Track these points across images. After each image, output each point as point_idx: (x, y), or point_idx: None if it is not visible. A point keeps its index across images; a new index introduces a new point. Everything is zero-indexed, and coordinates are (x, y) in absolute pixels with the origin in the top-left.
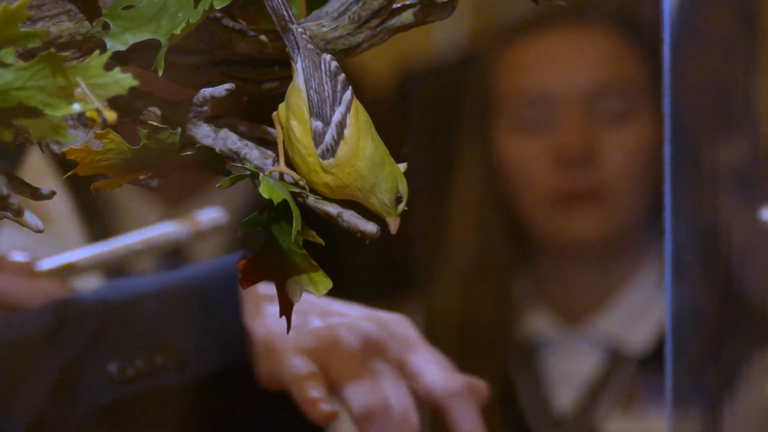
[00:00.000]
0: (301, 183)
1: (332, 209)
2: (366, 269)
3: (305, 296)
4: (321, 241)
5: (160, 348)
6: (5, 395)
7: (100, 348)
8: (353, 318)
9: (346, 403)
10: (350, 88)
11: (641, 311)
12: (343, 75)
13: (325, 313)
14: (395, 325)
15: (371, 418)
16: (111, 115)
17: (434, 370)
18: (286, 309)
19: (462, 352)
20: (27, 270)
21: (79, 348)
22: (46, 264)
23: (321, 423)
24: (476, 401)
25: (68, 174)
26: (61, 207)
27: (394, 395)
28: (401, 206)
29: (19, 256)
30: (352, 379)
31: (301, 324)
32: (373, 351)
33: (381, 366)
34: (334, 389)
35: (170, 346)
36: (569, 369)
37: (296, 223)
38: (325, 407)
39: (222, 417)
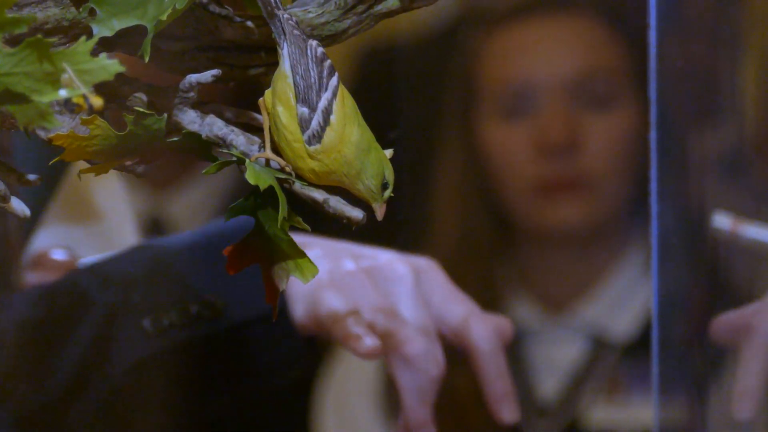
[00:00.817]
0: (288, 169)
1: (318, 195)
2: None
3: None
4: (307, 227)
5: (194, 299)
6: (43, 357)
7: (133, 305)
8: (384, 260)
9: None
10: (336, 74)
11: (625, 299)
12: (329, 61)
13: (356, 256)
14: (425, 268)
15: (400, 357)
16: (97, 101)
17: (461, 312)
18: (272, 296)
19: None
20: (67, 268)
21: (110, 307)
22: (87, 262)
23: (367, 358)
24: (501, 342)
25: (54, 160)
26: (112, 204)
27: (423, 336)
28: (387, 192)
29: (59, 254)
30: (384, 319)
31: (335, 267)
32: (404, 292)
33: (411, 307)
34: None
35: (204, 297)
36: (553, 356)
37: (282, 209)
38: (370, 342)
39: (259, 363)
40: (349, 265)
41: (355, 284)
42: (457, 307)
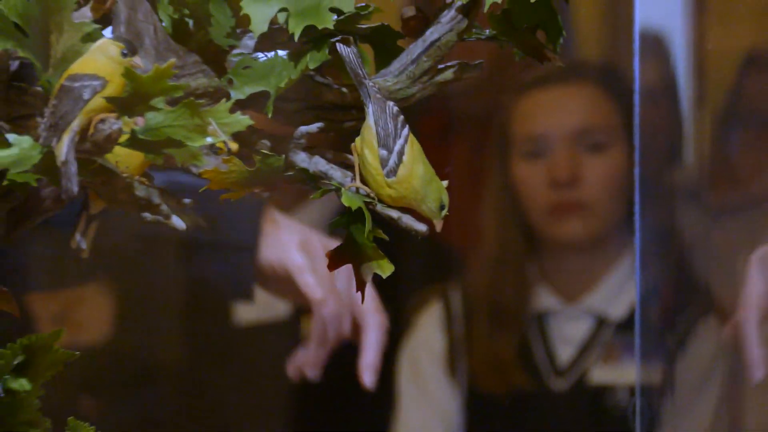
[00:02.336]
0: (372, 195)
1: (394, 214)
2: (418, 258)
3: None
4: (386, 237)
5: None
6: None
7: None
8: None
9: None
10: (407, 126)
11: (618, 291)
12: (402, 116)
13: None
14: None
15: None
16: (234, 146)
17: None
18: (361, 285)
19: (490, 320)
20: None
21: None
22: None
23: (314, 305)
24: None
25: (203, 188)
26: None
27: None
28: (444, 212)
29: None
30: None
31: (308, 241)
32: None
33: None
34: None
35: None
36: (567, 333)
37: (368, 224)
38: (319, 294)
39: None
40: (317, 241)
41: (317, 255)
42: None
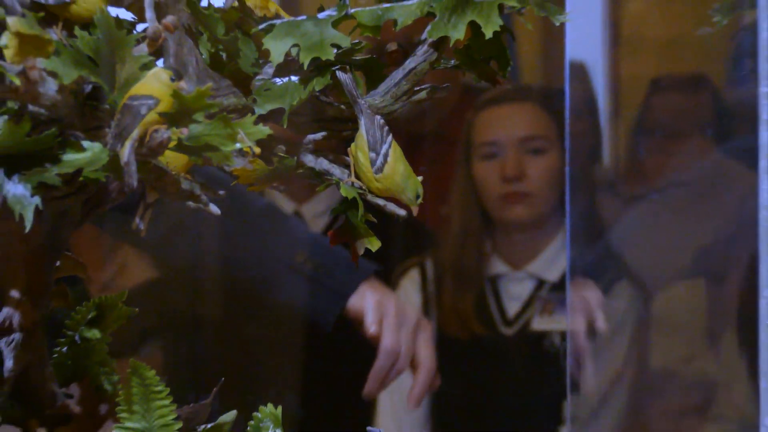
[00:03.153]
0: (364, 188)
1: (381, 202)
2: (399, 236)
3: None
4: (375, 219)
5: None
6: None
7: None
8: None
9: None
10: (391, 134)
11: (553, 259)
12: (386, 127)
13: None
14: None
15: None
16: (257, 150)
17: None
18: (355, 256)
19: (455, 282)
20: None
21: None
22: None
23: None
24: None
25: (234, 183)
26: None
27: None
28: (419, 200)
29: None
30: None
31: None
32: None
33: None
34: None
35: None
36: (514, 292)
37: (360, 210)
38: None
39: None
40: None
41: (387, 307)
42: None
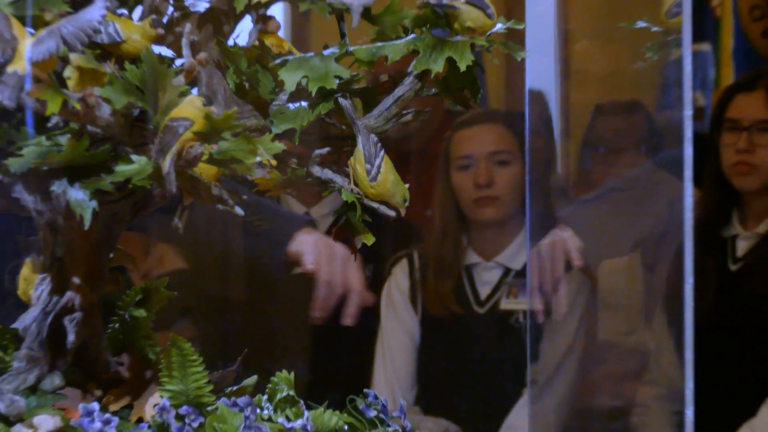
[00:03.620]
0: (361, 193)
1: (375, 205)
2: (390, 233)
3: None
4: (370, 219)
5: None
6: None
7: None
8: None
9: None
10: (383, 149)
11: (517, 251)
12: (379, 144)
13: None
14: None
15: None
16: (274, 162)
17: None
18: (354, 249)
19: (436, 270)
20: None
21: None
22: None
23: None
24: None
25: (254, 189)
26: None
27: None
28: (406, 203)
29: None
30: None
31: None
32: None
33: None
34: None
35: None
36: (485, 278)
37: (358, 212)
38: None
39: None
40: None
41: (319, 247)
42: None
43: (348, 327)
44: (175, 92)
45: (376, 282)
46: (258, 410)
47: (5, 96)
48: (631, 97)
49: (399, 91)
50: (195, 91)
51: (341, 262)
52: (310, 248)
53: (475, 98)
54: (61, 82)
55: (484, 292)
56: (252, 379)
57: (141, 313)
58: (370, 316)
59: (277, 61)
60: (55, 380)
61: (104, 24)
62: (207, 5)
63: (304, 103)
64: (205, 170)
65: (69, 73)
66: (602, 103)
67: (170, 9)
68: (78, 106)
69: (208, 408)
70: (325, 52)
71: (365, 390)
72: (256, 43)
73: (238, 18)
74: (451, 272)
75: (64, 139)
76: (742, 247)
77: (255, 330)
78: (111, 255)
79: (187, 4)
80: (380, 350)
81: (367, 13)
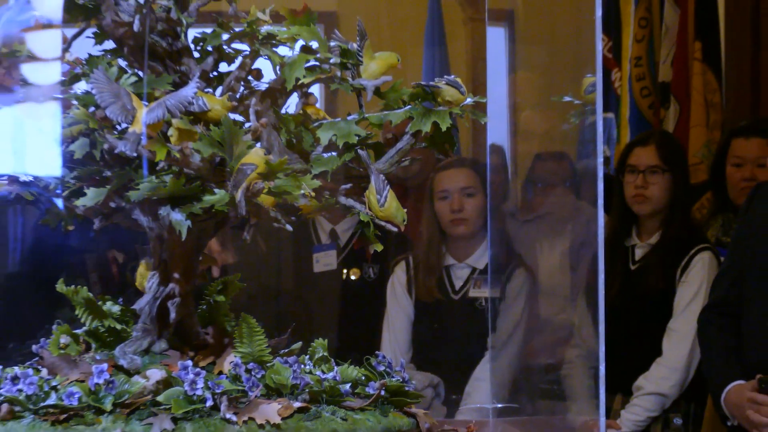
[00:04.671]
0: (373, 215)
1: (383, 223)
2: (393, 243)
3: None
4: (379, 233)
5: None
6: None
7: None
8: None
9: None
10: (388, 185)
11: (481, 256)
12: (386, 181)
13: None
14: None
15: None
16: (312, 194)
17: None
18: (368, 255)
19: (424, 269)
20: None
21: None
22: None
23: None
24: None
25: (299, 213)
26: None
27: None
28: (404, 223)
29: None
30: None
31: None
32: None
33: None
34: None
35: None
36: (459, 274)
37: (371, 228)
38: None
39: None
40: None
41: None
42: None
43: (364, 310)
44: (244, 146)
45: (383, 277)
46: (302, 366)
47: (128, 148)
48: (560, 149)
49: (399, 145)
50: (258, 144)
51: None
52: None
53: (452, 150)
54: (166, 138)
55: (458, 284)
56: (297, 345)
57: (221, 298)
58: (379, 302)
59: (315, 124)
60: (162, 345)
61: (195, 98)
62: (266, 86)
63: (333, 153)
64: (265, 199)
65: (171, 132)
66: (540, 153)
67: (241, 88)
68: (178, 155)
69: (268, 364)
70: (349, 118)
71: (376, 352)
72: (301, 111)
73: (288, 94)
74: (435, 271)
75: (168, 178)
76: (638, 253)
77: (299, 311)
78: (200, 258)
79: (253, 85)
80: (386, 325)
81: (377, 91)
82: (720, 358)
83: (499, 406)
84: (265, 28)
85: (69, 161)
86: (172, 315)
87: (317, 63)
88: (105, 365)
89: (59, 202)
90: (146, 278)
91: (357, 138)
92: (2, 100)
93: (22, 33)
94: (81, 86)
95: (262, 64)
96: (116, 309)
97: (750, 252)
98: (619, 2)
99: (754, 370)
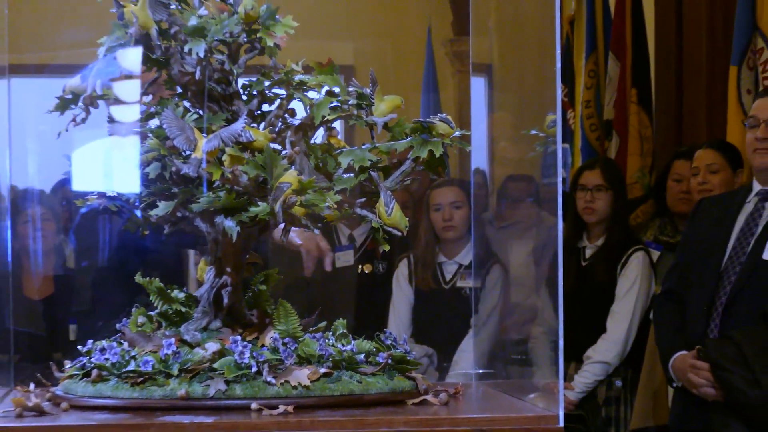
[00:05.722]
0: (383, 222)
1: (390, 229)
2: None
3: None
4: (387, 236)
5: None
6: None
7: None
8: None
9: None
10: (394, 198)
11: (466, 254)
12: (392, 196)
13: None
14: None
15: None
16: (335, 206)
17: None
18: (378, 254)
19: (422, 264)
20: None
21: None
22: None
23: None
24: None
25: (323, 221)
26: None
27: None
28: (407, 229)
29: None
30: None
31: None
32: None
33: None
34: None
35: None
36: (449, 269)
37: (381, 232)
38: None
39: None
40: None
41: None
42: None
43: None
44: (281, 168)
45: (389, 271)
46: (326, 340)
47: (191, 170)
48: (528, 172)
49: (403, 168)
50: (293, 168)
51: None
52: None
53: (443, 172)
54: (220, 163)
55: (448, 277)
56: (322, 324)
57: (263, 287)
58: (387, 290)
59: (337, 151)
60: (217, 324)
61: (244, 132)
62: (299, 122)
63: (351, 174)
64: (297, 210)
65: (225, 157)
66: (512, 175)
67: (279, 124)
68: (229, 176)
69: (299, 339)
70: (363, 147)
71: (384, 329)
72: (326, 142)
73: (316, 128)
74: (430, 266)
75: (222, 193)
76: (588, 252)
77: (324, 298)
78: (247, 256)
79: (288, 121)
80: (392, 308)
81: (385, 126)
82: (669, 334)
83: (480, 371)
84: (298, 77)
85: (145, 180)
86: (225, 300)
87: (339, 104)
88: (173, 339)
89: (137, 213)
90: (205, 272)
91: (369, 162)
92: (88, 137)
93: (110, 81)
94: (154, 122)
95: (296, 104)
96: (182, 295)
97: (692, 255)
98: (573, 58)
99: (694, 343)
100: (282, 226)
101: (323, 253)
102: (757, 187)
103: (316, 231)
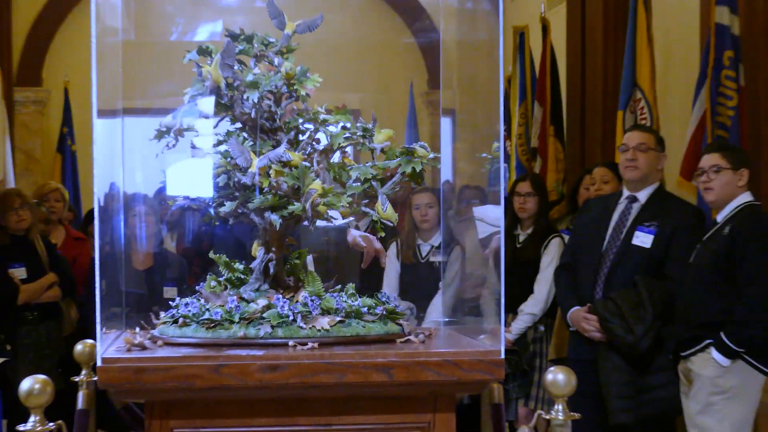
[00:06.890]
0: (380, 216)
1: (385, 221)
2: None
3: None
4: (383, 226)
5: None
6: None
7: None
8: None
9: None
10: (388, 200)
11: (437, 239)
12: (386, 198)
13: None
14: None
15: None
16: (347, 205)
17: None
18: (381, 255)
19: (405, 246)
20: None
21: None
22: None
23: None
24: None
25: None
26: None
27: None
28: (396, 221)
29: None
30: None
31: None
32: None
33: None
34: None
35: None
36: (425, 249)
37: (378, 223)
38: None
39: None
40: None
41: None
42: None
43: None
44: (310, 180)
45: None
46: (341, 297)
47: (248, 180)
48: (479, 183)
49: (394, 179)
50: (318, 179)
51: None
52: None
53: (421, 182)
54: (268, 175)
55: (424, 254)
56: (338, 287)
57: (297, 261)
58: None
59: (349, 167)
60: (265, 287)
61: (284, 154)
62: (322, 147)
63: (359, 183)
64: (321, 208)
65: (271, 171)
66: (467, 184)
67: (308, 148)
68: (275, 185)
69: (322, 297)
70: (367, 165)
71: (380, 291)
72: (341, 161)
73: (334, 152)
74: (411, 246)
75: (269, 197)
76: (521, 238)
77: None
78: (286, 239)
79: (315, 146)
80: (385, 277)
81: (382, 150)
82: (566, 295)
83: (446, 320)
84: (322, 116)
85: (216, 187)
86: (271, 270)
87: (350, 135)
88: (235, 297)
89: (211, 210)
90: (257, 250)
91: (371, 175)
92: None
93: (192, 119)
94: (222, 148)
95: (321, 135)
96: (241, 267)
97: (582, 239)
98: (510, 104)
99: (584, 301)
100: (353, 232)
101: (380, 252)
102: (626, 192)
103: (335, 222)
